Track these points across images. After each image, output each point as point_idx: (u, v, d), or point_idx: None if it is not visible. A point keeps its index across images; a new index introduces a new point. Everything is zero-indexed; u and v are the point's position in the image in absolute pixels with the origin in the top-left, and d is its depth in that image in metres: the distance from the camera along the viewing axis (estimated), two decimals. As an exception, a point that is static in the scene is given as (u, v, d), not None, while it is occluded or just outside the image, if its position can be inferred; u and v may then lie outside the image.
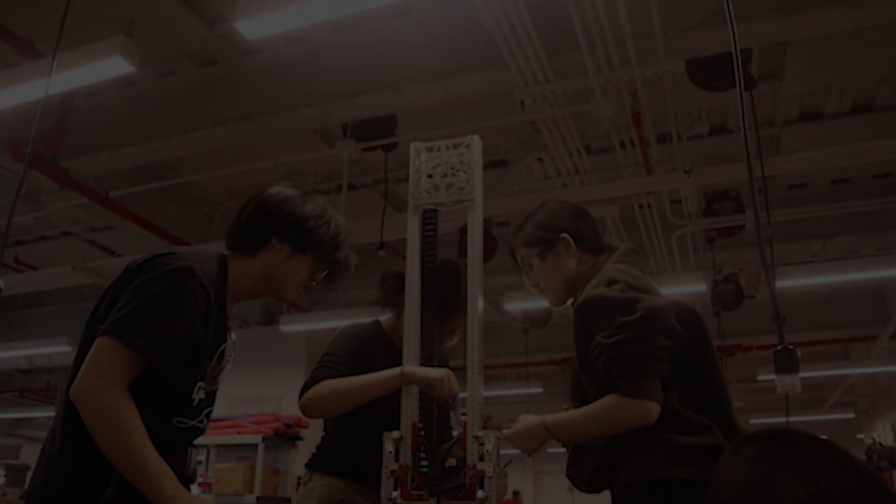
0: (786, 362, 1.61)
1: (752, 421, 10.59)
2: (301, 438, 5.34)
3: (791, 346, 1.61)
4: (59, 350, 7.12)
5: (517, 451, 1.93)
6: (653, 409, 1.50)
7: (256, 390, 5.97)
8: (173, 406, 1.69)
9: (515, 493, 13.36)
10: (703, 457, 1.44)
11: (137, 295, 1.63)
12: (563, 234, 1.89)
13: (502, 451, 1.88)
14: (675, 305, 1.58)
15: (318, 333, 5.78)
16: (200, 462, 5.46)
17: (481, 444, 1.85)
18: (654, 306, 1.52)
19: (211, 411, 1.83)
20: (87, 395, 1.57)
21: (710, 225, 5.86)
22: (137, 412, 1.58)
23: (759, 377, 7.94)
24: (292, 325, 5.88)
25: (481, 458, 1.84)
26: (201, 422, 1.79)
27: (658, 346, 1.51)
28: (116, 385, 1.57)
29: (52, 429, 1.69)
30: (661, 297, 1.59)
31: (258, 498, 4.89)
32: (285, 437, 5.22)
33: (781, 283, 5.17)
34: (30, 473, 1.67)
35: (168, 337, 1.62)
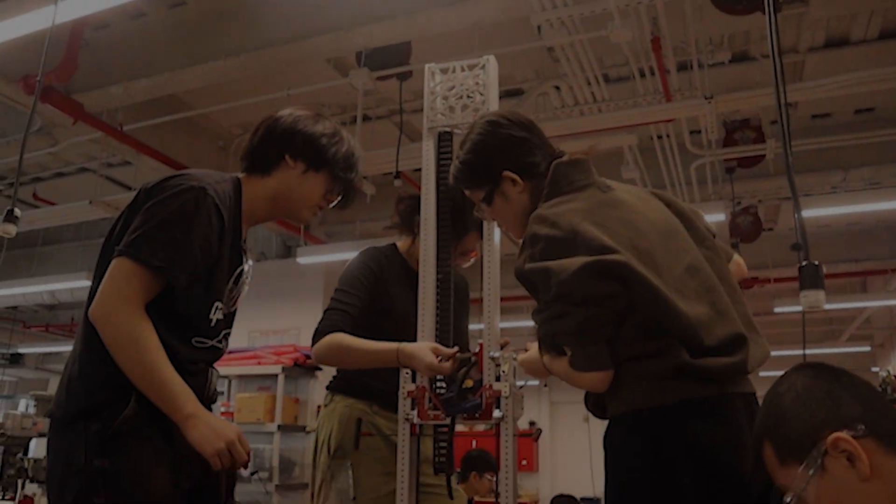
0: (811, 277, 1.58)
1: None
2: (320, 369, 5.43)
3: (816, 262, 1.58)
4: (80, 285, 7.22)
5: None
6: (600, 378, 1.46)
7: (275, 322, 6.05)
8: (191, 326, 1.71)
9: (531, 424, 13.58)
10: (670, 381, 1.41)
11: (151, 216, 1.63)
12: (505, 173, 1.67)
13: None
14: (597, 259, 1.42)
15: (336, 265, 5.82)
16: (222, 393, 5.58)
17: (497, 366, 1.87)
18: (565, 280, 1.41)
19: (229, 333, 1.85)
20: (105, 315, 1.58)
21: (730, 155, 5.76)
22: (155, 332, 1.60)
23: (776, 309, 7.92)
24: (309, 258, 5.92)
25: (497, 379, 1.86)
26: (220, 342, 1.81)
27: (586, 317, 1.41)
28: (133, 305, 1.58)
29: (73, 350, 1.72)
30: (576, 255, 1.44)
31: (279, 426, 5.00)
32: (304, 367, 5.31)
33: (803, 213, 5.10)
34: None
35: (183, 256, 1.62)
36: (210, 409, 1.84)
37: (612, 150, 6.06)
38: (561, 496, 4.90)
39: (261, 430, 5.03)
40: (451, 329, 2.02)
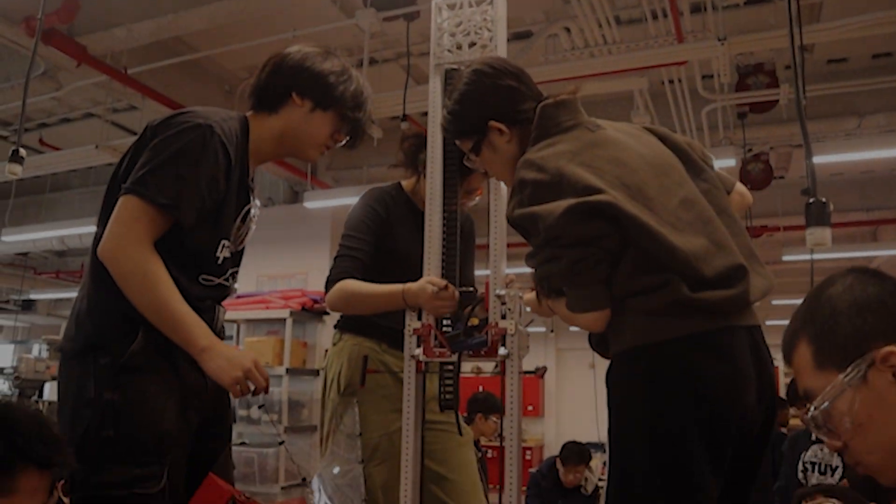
0: (817, 215, 1.56)
1: (775, 302, 10.64)
2: (328, 313, 5.47)
3: (824, 200, 1.56)
4: (89, 230, 7.24)
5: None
6: (596, 317, 1.47)
7: (283, 267, 6.08)
8: (198, 263, 1.71)
9: (538, 369, 13.67)
10: (670, 316, 1.40)
11: (157, 153, 1.62)
12: (492, 123, 1.66)
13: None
14: (582, 201, 1.41)
15: (343, 209, 5.77)
16: (231, 337, 5.63)
17: (503, 304, 1.87)
18: (552, 224, 1.41)
19: (237, 272, 1.86)
20: (114, 253, 1.59)
21: (743, 100, 5.66)
22: (164, 267, 1.61)
23: (785, 258, 7.88)
24: (317, 202, 5.91)
25: (503, 317, 1.86)
26: (227, 280, 1.81)
27: (577, 259, 1.41)
28: (142, 242, 1.59)
29: (82, 286, 1.73)
30: (563, 199, 1.42)
31: (287, 370, 5.06)
32: (312, 311, 5.34)
33: (816, 160, 5.02)
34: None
35: (190, 193, 1.62)
36: None
37: (622, 95, 5.97)
38: (572, 443, 4.98)
39: (270, 374, 5.08)
40: (458, 268, 2.02)
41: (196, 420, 1.75)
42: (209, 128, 1.65)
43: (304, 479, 1.80)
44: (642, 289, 1.42)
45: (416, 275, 1.98)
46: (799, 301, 1.18)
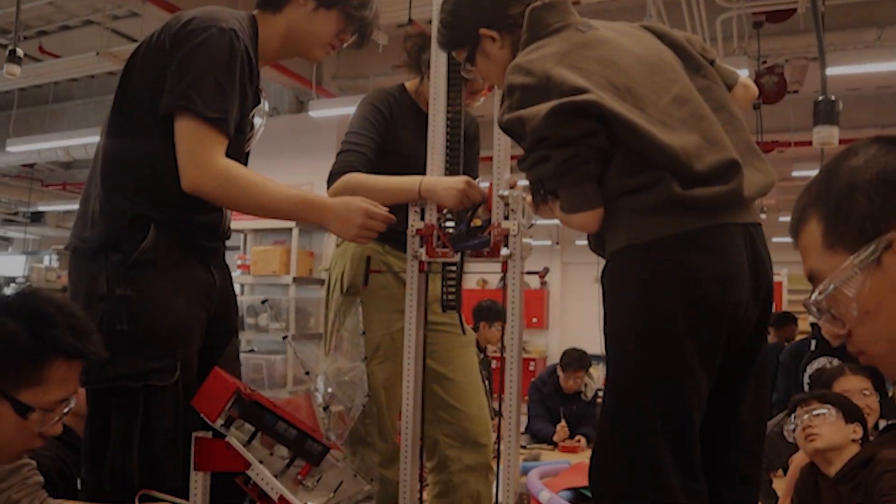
0: (825, 113, 1.52)
1: (782, 219, 10.61)
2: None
3: (833, 97, 1.52)
4: (94, 141, 7.18)
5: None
6: (589, 217, 1.47)
7: (289, 177, 6.01)
8: None
9: (546, 270, 13.77)
10: (662, 214, 1.40)
11: (192, 65, 1.60)
12: (483, 31, 1.67)
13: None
14: (566, 101, 1.40)
15: (348, 118, 5.73)
16: (238, 248, 5.68)
17: (506, 205, 1.86)
18: (538, 125, 1.41)
19: None
20: (201, 183, 1.62)
21: (759, 8, 5.49)
22: (246, 169, 1.68)
23: (795, 173, 7.81)
24: (322, 111, 5.85)
25: (506, 218, 1.86)
26: None
27: (565, 158, 1.41)
28: (215, 159, 1.62)
29: (87, 190, 1.74)
30: (549, 101, 1.41)
31: (294, 278, 5.12)
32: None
33: (832, 71, 4.90)
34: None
35: (231, 104, 1.63)
36: (224, 247, 1.90)
37: (634, 4, 5.80)
38: (572, 349, 5.04)
39: (277, 283, 5.16)
40: (462, 170, 2.01)
41: (205, 317, 1.79)
42: (234, 32, 1.63)
43: (307, 373, 1.84)
44: (634, 187, 1.42)
45: (421, 174, 1.97)
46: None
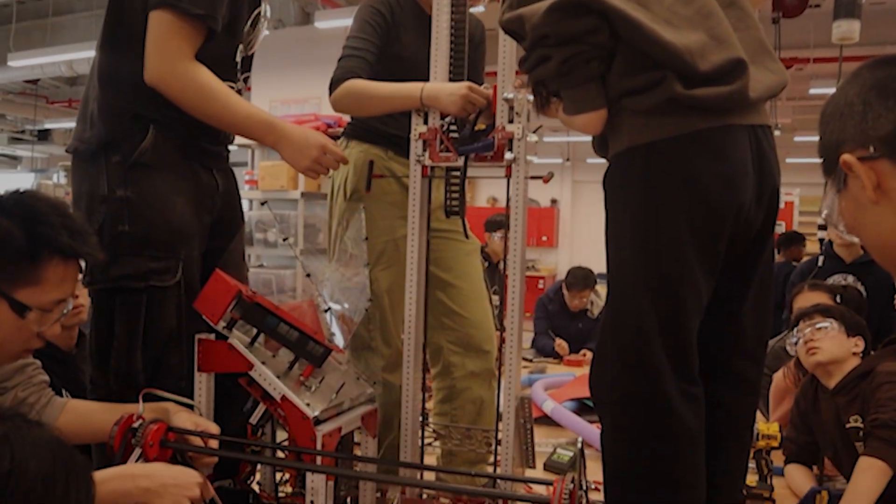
0: (847, 6, 1.45)
1: (798, 139, 10.43)
2: (339, 137, 5.43)
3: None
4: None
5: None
6: (592, 118, 1.44)
7: (296, 91, 5.95)
8: (218, 70, 1.71)
9: (551, 174, 13.70)
10: (665, 115, 1.38)
11: None
12: None
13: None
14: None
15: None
16: (246, 163, 5.64)
17: (511, 108, 1.82)
18: (537, 23, 1.37)
19: (248, 77, 1.89)
20: (163, 76, 1.59)
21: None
22: (212, 76, 1.63)
23: (812, 91, 7.63)
24: (328, 21, 5.72)
25: (510, 121, 1.82)
26: (240, 85, 1.84)
27: (566, 57, 1.37)
28: (186, 57, 1.59)
29: (88, 86, 1.73)
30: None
31: (303, 194, 5.11)
32: (326, 136, 5.30)
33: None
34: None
35: (219, 2, 1.60)
36: (227, 150, 1.89)
37: None
38: (577, 268, 5.05)
39: (285, 198, 5.14)
40: (466, 75, 1.96)
41: (208, 220, 1.79)
42: None
43: (307, 275, 1.85)
44: (637, 87, 1.39)
45: (425, 79, 1.92)
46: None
